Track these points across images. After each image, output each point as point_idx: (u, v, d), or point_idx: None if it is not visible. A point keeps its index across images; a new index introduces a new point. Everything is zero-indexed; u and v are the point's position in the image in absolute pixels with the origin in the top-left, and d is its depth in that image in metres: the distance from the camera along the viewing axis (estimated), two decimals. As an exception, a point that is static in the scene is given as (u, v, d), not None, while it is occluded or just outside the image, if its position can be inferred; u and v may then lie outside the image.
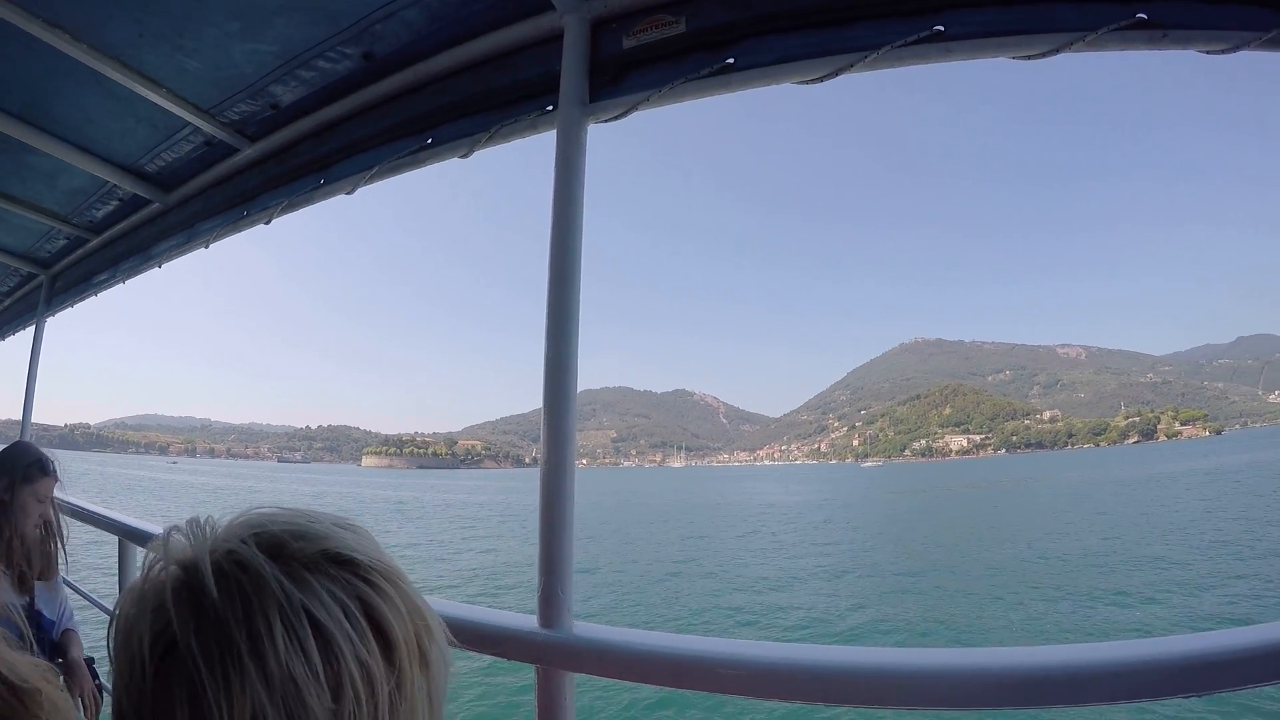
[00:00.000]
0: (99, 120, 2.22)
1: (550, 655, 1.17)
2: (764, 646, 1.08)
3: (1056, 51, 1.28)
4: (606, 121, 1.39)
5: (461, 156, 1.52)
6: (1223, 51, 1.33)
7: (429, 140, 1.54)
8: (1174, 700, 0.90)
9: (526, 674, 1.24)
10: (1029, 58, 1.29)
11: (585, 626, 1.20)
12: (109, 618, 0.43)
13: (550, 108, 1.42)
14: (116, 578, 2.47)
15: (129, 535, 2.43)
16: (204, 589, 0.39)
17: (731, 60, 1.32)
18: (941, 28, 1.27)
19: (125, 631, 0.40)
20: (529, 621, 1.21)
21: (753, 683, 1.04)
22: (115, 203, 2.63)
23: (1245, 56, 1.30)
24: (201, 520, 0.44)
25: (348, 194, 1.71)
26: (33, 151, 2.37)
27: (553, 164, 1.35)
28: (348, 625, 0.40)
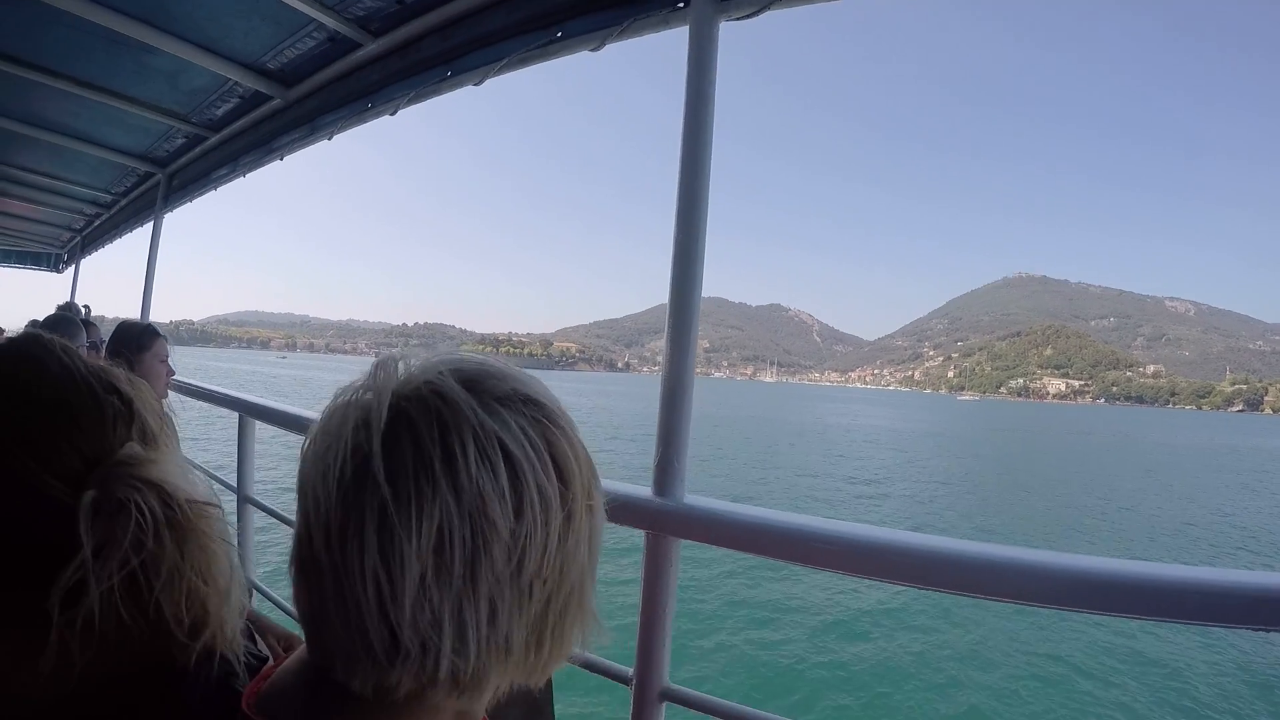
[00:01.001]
0: (222, 19, 2.34)
1: (662, 521, 1.23)
2: (864, 529, 1.12)
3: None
4: (740, 19, 1.44)
5: (593, 50, 1.59)
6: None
7: (559, 34, 1.62)
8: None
9: (630, 539, 1.31)
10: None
11: (696, 498, 1.26)
12: (304, 441, 0.45)
13: (681, 4, 1.47)
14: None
15: (250, 411, 2.50)
16: (400, 410, 0.42)
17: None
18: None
19: (318, 453, 0.43)
20: (643, 491, 1.27)
21: (852, 560, 1.07)
22: (236, 100, 2.79)
23: None
24: (395, 358, 0.46)
25: (475, 85, 1.81)
26: (154, 52, 2.51)
27: (684, 61, 1.42)
28: (533, 455, 0.43)
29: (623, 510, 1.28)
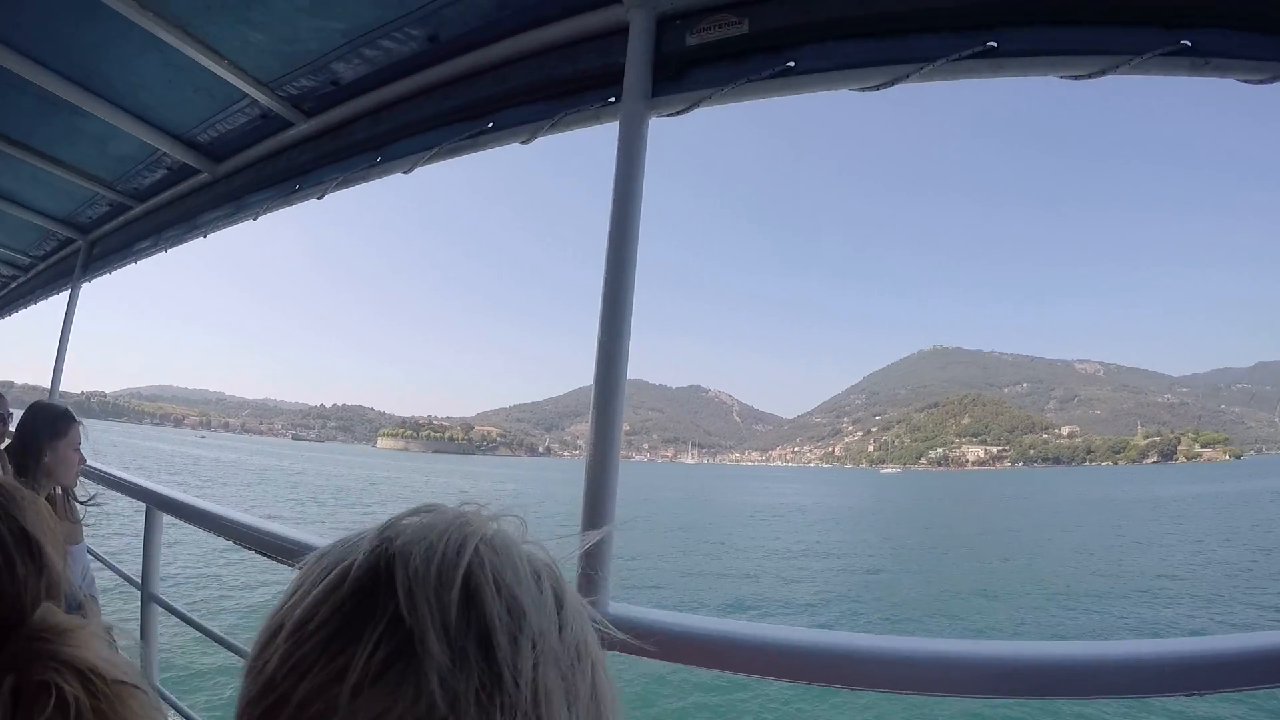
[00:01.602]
0: (155, 88, 2.27)
1: None
2: (797, 632, 1.11)
3: (1103, 73, 1.34)
4: (668, 116, 1.46)
5: (523, 142, 1.58)
6: (1261, 81, 1.39)
7: (490, 125, 1.60)
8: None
9: None
10: (1076, 77, 1.35)
11: (622, 607, 1.22)
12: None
13: (613, 99, 1.48)
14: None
15: (159, 503, 2.29)
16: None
17: (792, 64, 1.38)
18: (994, 44, 1.33)
19: None
20: None
21: (793, 667, 1.07)
22: (163, 171, 2.68)
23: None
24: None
25: (404, 173, 1.77)
26: (84, 115, 2.41)
27: (613, 155, 1.42)
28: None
29: None
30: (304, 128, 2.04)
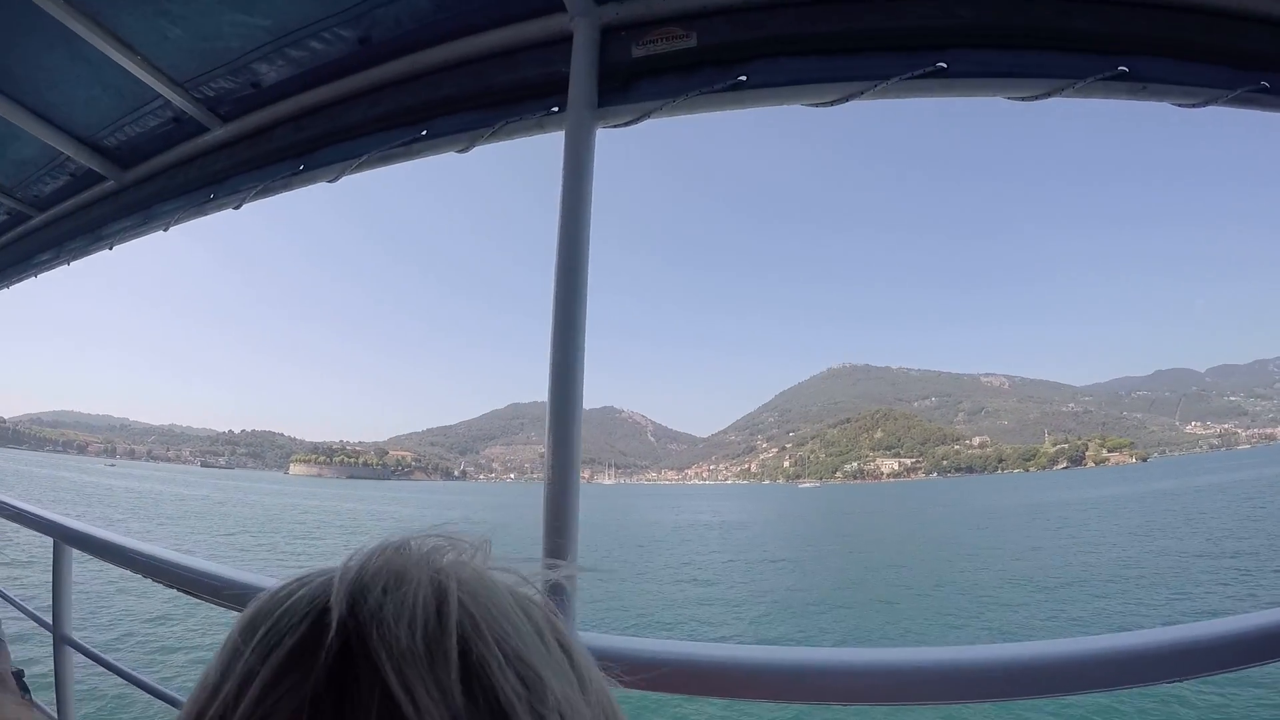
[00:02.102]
0: (62, 85, 2.05)
1: None
2: (771, 651, 1.10)
3: (1048, 95, 1.34)
4: (616, 126, 1.38)
5: (460, 151, 1.47)
6: (1194, 105, 1.42)
7: (424, 132, 1.49)
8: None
9: None
10: (1022, 99, 1.35)
11: (588, 635, 1.18)
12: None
13: (555, 109, 1.39)
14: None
15: (67, 538, 2.07)
16: None
17: (744, 78, 1.33)
18: (944, 65, 1.32)
19: None
20: None
21: (772, 686, 1.06)
22: (66, 178, 2.42)
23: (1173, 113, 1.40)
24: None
25: (330, 182, 1.62)
26: None
27: (559, 166, 1.33)
28: None
29: None
30: (220, 133, 1.86)
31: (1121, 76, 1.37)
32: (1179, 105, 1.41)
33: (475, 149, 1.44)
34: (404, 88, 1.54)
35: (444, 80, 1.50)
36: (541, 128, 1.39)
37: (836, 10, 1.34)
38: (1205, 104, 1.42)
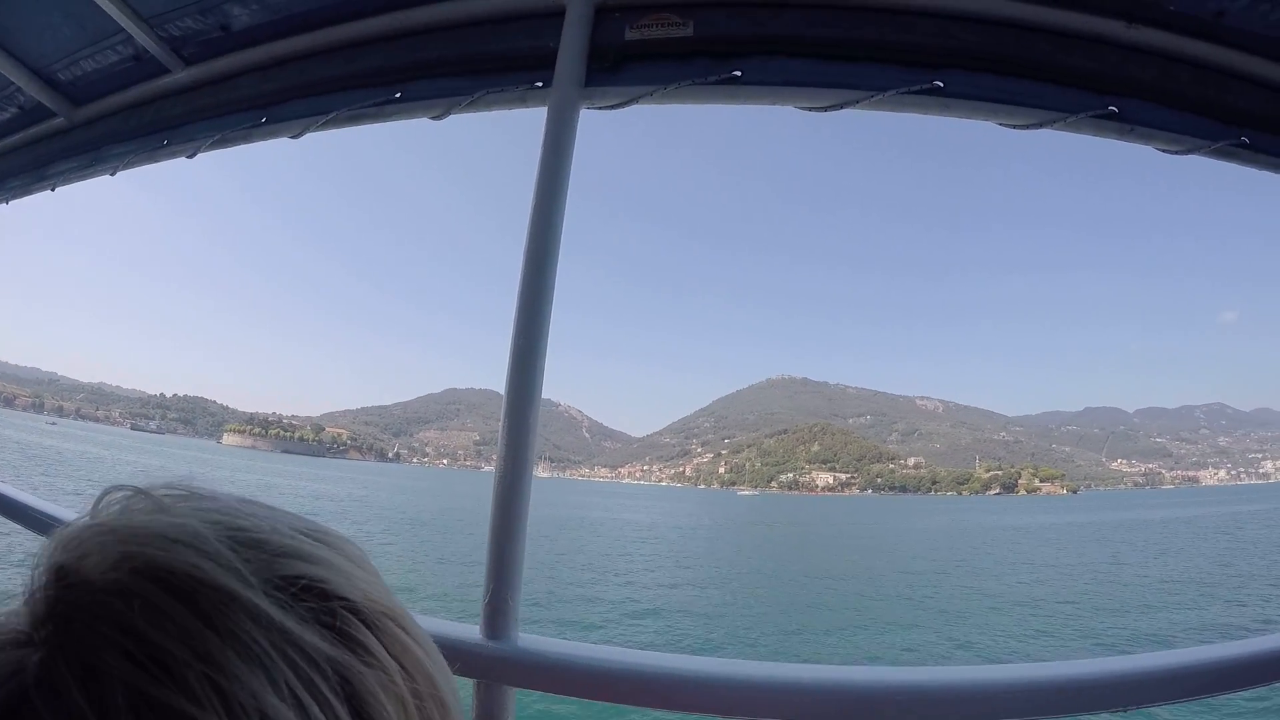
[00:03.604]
0: (19, 8, 1.91)
1: (494, 668, 1.09)
2: (710, 662, 1.10)
3: (1039, 126, 1.33)
4: (603, 108, 1.32)
5: (434, 118, 1.38)
6: (1177, 152, 1.43)
7: (398, 94, 1.40)
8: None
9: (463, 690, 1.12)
10: (1015, 127, 1.33)
11: (532, 639, 1.14)
12: None
13: (540, 84, 1.32)
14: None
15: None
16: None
17: (738, 73, 1.28)
18: (941, 84, 1.30)
19: None
20: (470, 632, 1.13)
21: (700, 697, 1.05)
22: (13, 110, 2.25)
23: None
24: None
25: (293, 138, 1.52)
26: None
27: (539, 142, 1.26)
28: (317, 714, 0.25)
29: (447, 656, 1.02)
30: (181, 76, 1.73)
31: (1111, 116, 1.37)
32: (1163, 150, 1.41)
33: (451, 116, 1.36)
34: (382, 46, 1.45)
35: (426, 42, 1.41)
36: (524, 101, 1.32)
37: (838, 16, 1.31)
38: (1188, 152, 1.43)
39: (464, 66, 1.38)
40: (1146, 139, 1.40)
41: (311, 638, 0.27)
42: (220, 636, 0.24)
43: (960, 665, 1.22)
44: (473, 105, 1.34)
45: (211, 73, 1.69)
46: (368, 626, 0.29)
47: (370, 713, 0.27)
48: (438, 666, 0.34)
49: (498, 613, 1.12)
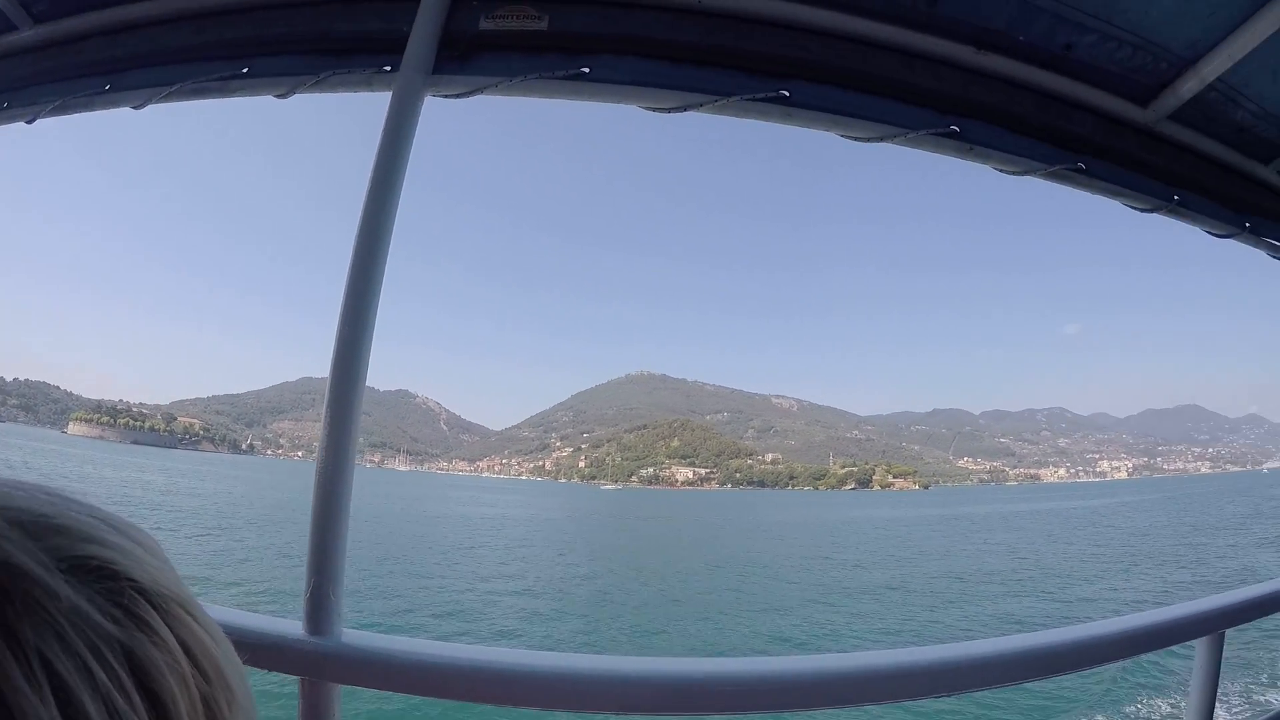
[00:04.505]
0: None
1: (319, 665, 1.07)
2: (544, 656, 1.11)
3: (880, 140, 1.38)
4: (448, 97, 1.30)
5: (279, 96, 1.34)
6: (1014, 173, 1.50)
7: (244, 70, 1.35)
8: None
9: (287, 685, 1.12)
10: (855, 139, 1.38)
11: (357, 635, 1.12)
12: None
13: (388, 68, 1.30)
14: None
15: None
16: None
17: (587, 70, 1.29)
18: (786, 93, 1.33)
19: None
20: (293, 627, 1.10)
21: (532, 692, 1.06)
22: None
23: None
24: None
25: (135, 108, 1.44)
26: None
27: (380, 128, 1.24)
28: (106, 686, 0.27)
29: (272, 653, 1.08)
30: (28, 34, 1.62)
31: (952, 135, 1.43)
32: (999, 170, 1.48)
33: (295, 96, 1.32)
34: (230, 18, 1.39)
35: (276, 17, 1.36)
36: (369, 85, 1.29)
37: (692, 20, 1.33)
38: (1024, 173, 1.50)
39: (312, 45, 1.34)
40: (985, 159, 1.47)
41: (99, 615, 0.28)
42: (15, 607, 0.26)
43: (795, 656, 1.26)
44: (318, 86, 1.30)
45: (59, 33, 1.59)
46: (155, 609, 0.31)
47: (155, 687, 0.29)
48: (226, 655, 0.35)
49: (319, 608, 1.09)
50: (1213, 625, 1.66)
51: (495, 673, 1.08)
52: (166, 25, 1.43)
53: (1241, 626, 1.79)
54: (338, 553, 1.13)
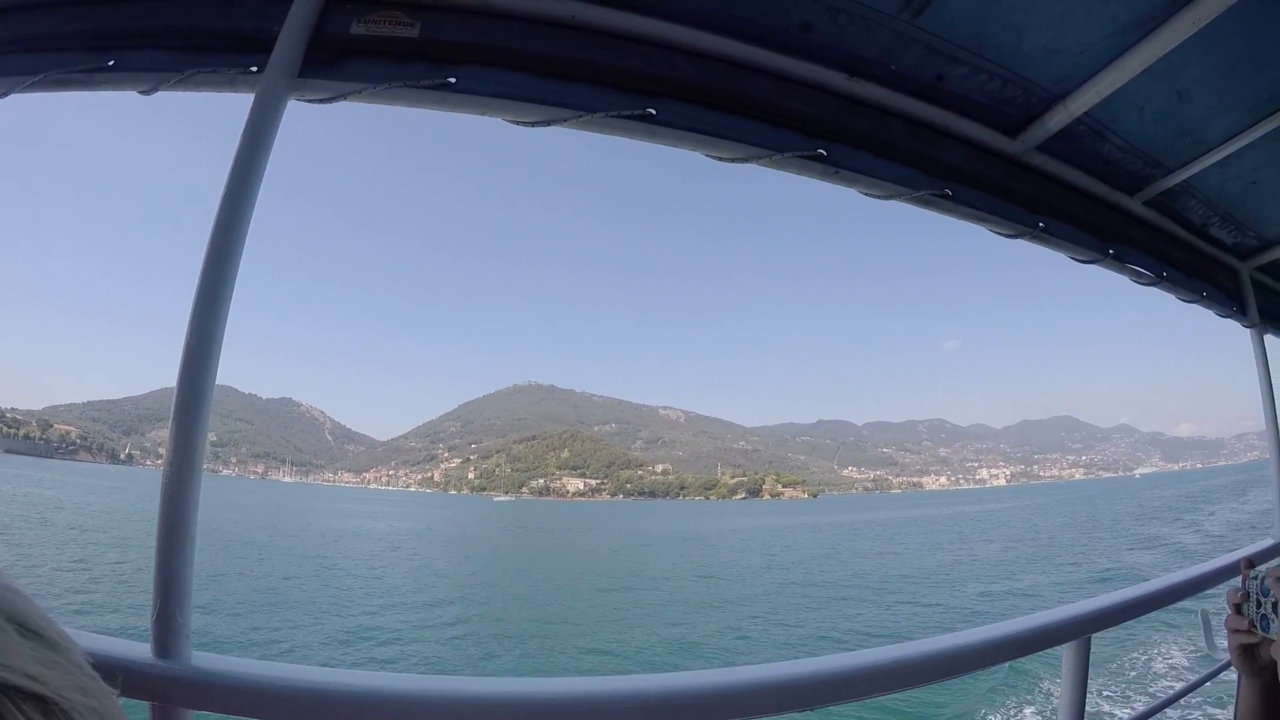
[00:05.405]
0: None
1: (168, 690, 1.03)
2: (409, 679, 1.09)
3: (745, 161, 1.43)
4: (313, 102, 1.31)
5: (143, 92, 1.33)
6: (880, 197, 1.57)
7: (110, 62, 1.33)
8: None
9: (138, 713, 1.07)
10: (721, 159, 1.43)
11: (208, 657, 1.08)
12: None
13: (255, 69, 1.30)
14: None
15: None
16: None
17: (453, 80, 1.31)
18: (653, 111, 1.37)
19: None
20: (141, 650, 1.06)
21: (397, 716, 1.03)
22: None
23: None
24: None
25: (-1, 96, 1.42)
26: None
27: (239, 130, 1.24)
28: None
29: (119, 678, 0.98)
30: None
31: (818, 158, 1.48)
32: (865, 194, 1.55)
33: (159, 93, 1.32)
34: (105, 7, 1.37)
35: (146, 9, 1.35)
36: (233, 86, 1.29)
37: (561, 34, 1.35)
38: (890, 198, 1.57)
39: (180, 40, 1.33)
40: (851, 182, 1.53)
41: None
42: None
43: (663, 673, 1.25)
44: (182, 84, 1.30)
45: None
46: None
47: None
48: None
49: (167, 629, 1.05)
50: (1080, 630, 1.70)
51: (357, 696, 1.05)
52: (35, 11, 1.41)
53: (1106, 630, 1.89)
54: (185, 572, 1.09)
